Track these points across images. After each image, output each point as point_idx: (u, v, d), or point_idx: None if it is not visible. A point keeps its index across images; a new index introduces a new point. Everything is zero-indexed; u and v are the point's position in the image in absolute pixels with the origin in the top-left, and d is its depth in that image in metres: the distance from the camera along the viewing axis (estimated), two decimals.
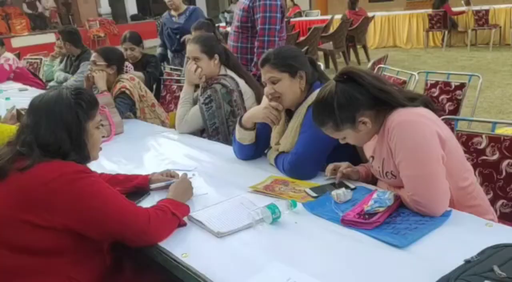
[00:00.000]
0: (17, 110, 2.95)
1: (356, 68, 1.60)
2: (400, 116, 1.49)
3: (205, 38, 2.65)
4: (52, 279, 1.34)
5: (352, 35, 8.44)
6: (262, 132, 2.09)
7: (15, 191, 1.31)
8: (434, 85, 3.20)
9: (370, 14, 9.26)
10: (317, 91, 1.88)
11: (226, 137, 2.56)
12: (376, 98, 1.53)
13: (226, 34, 6.89)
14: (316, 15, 11.99)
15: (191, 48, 2.54)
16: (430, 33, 9.77)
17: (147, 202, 1.71)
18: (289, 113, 2.01)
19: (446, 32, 9.34)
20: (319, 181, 1.80)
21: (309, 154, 1.83)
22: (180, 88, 3.68)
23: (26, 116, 1.44)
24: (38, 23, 15.39)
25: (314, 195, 1.67)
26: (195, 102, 2.63)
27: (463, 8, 9.53)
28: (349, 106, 1.53)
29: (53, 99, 1.42)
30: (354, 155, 1.92)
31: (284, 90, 1.89)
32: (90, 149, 1.48)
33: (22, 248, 1.31)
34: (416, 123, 1.47)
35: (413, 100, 1.55)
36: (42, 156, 1.34)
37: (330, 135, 1.64)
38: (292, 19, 10.39)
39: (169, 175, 1.86)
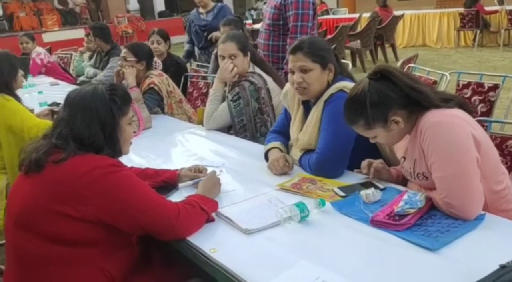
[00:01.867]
0: (52, 110, 3.04)
1: (390, 67, 1.58)
2: (434, 117, 1.46)
3: (240, 35, 2.67)
4: (84, 269, 1.37)
5: (380, 33, 8.32)
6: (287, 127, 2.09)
7: (50, 183, 1.35)
8: (466, 86, 3.12)
9: (399, 13, 9.10)
10: (334, 86, 1.87)
11: (253, 135, 2.57)
12: (410, 97, 1.50)
13: (252, 32, 6.90)
14: (343, 13, 11.86)
15: (227, 47, 2.54)
16: (461, 32, 9.54)
17: (176, 197, 1.73)
18: (307, 105, 2.00)
19: (478, 32, 9.10)
20: (347, 180, 1.79)
21: (333, 152, 1.82)
22: (207, 85, 3.71)
23: (62, 110, 1.48)
24: (69, 18, 15.74)
25: (343, 194, 1.65)
26: (223, 99, 2.64)
27: (496, 7, 9.26)
28: (382, 105, 1.50)
29: (89, 94, 1.45)
30: (376, 152, 1.90)
31: (313, 81, 1.88)
32: (122, 144, 1.51)
33: (56, 238, 1.34)
34: (451, 125, 1.44)
35: (447, 101, 1.52)
36: (76, 149, 1.38)
37: (361, 133, 1.62)
38: (319, 17, 10.32)
39: (197, 170, 1.88)
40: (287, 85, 2.06)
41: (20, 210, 1.38)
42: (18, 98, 2.66)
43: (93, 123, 1.41)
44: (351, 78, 1.97)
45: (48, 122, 2.54)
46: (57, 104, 3.39)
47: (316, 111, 1.91)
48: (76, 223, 1.33)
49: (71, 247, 1.36)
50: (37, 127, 2.50)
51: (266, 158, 2.03)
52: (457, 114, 1.48)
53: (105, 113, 1.43)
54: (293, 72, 1.91)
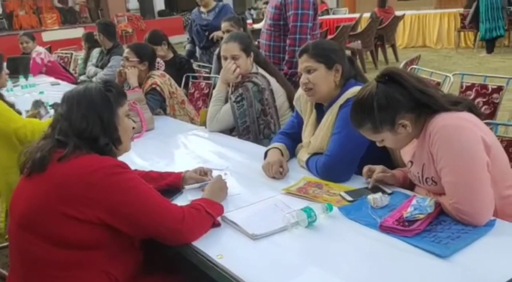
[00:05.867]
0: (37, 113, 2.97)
1: (398, 69, 1.56)
2: (443, 121, 1.44)
3: (242, 35, 2.65)
4: (88, 272, 1.35)
5: (381, 34, 8.30)
6: (296, 129, 2.09)
7: (54, 184, 1.33)
8: (470, 87, 3.10)
9: (399, 13, 9.08)
10: (350, 90, 1.86)
11: (257, 136, 2.54)
12: (418, 101, 1.48)
13: (252, 32, 6.87)
14: (344, 13, 11.86)
15: (230, 47, 2.52)
16: (462, 33, 9.53)
17: (180, 200, 1.71)
18: (320, 109, 1.98)
19: (479, 33, 9.08)
20: (353, 185, 1.77)
21: (343, 156, 1.80)
22: (209, 85, 3.69)
23: (60, 107, 1.48)
24: (68, 17, 15.69)
25: (350, 199, 1.63)
26: (226, 100, 2.62)
27: None
28: (389, 108, 1.49)
29: (83, 88, 1.47)
30: (387, 158, 1.88)
31: (318, 81, 1.88)
32: (121, 134, 1.49)
33: (60, 241, 1.32)
34: (460, 128, 1.42)
35: (456, 104, 1.50)
36: (78, 145, 1.37)
37: (368, 137, 1.60)
38: (319, 17, 10.29)
39: (203, 172, 1.86)
40: (300, 90, 2.05)
41: (24, 211, 1.36)
42: (1, 96, 2.57)
43: (90, 113, 1.41)
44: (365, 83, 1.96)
45: (34, 121, 2.47)
46: (58, 105, 3.31)
47: (330, 116, 1.89)
48: (80, 225, 1.31)
49: (76, 250, 1.34)
50: (24, 128, 2.41)
51: (265, 157, 2.02)
52: (467, 117, 1.46)
53: (102, 103, 1.43)
54: (301, 75, 1.92)
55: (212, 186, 1.68)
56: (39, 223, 1.33)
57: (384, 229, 1.40)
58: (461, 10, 9.28)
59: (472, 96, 3.08)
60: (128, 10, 15.42)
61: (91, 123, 1.40)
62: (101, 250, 1.37)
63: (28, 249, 1.35)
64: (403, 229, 1.37)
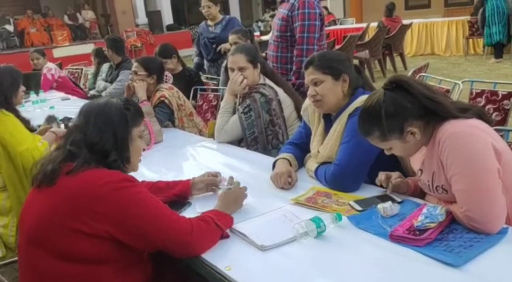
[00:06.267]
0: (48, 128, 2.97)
1: (406, 77, 1.55)
2: (453, 128, 1.42)
3: (249, 47, 2.65)
4: None
5: (388, 43, 8.29)
6: (305, 140, 2.08)
7: (62, 198, 1.34)
8: (479, 94, 3.07)
9: (407, 22, 9.08)
10: (359, 99, 1.85)
11: (265, 147, 2.54)
12: (426, 108, 1.47)
13: (260, 43, 6.92)
14: (351, 23, 11.87)
15: (237, 58, 2.53)
16: (470, 40, 9.47)
17: (189, 212, 1.71)
18: (329, 119, 1.98)
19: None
20: (363, 194, 1.75)
21: (352, 165, 1.78)
22: (217, 97, 3.70)
23: (77, 118, 1.50)
24: (79, 34, 15.97)
25: (359, 208, 1.61)
26: (233, 111, 2.63)
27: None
28: (398, 116, 1.47)
29: (103, 103, 1.49)
30: (398, 167, 1.86)
31: (325, 92, 1.87)
32: (131, 154, 1.50)
33: (67, 255, 1.32)
34: (470, 135, 1.40)
35: (465, 111, 1.49)
36: (88, 158, 1.38)
37: (376, 145, 1.59)
38: (326, 28, 10.33)
39: (211, 175, 1.87)
40: (307, 101, 2.05)
41: (33, 225, 1.37)
42: (17, 113, 2.59)
43: (106, 128, 1.42)
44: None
45: (35, 146, 2.42)
46: (68, 119, 3.38)
47: (339, 125, 1.88)
48: (87, 239, 1.31)
49: (83, 265, 1.34)
50: (26, 152, 2.37)
51: (274, 168, 2.01)
52: (476, 124, 1.45)
53: (119, 120, 1.45)
54: (308, 87, 1.92)
55: (226, 197, 1.67)
56: (47, 237, 1.34)
57: (395, 238, 1.38)
58: (468, 17, 9.24)
59: (482, 103, 3.05)
60: (137, 25, 15.62)
61: (104, 138, 1.41)
62: (109, 264, 1.37)
63: (36, 263, 1.35)
64: (414, 238, 1.35)
